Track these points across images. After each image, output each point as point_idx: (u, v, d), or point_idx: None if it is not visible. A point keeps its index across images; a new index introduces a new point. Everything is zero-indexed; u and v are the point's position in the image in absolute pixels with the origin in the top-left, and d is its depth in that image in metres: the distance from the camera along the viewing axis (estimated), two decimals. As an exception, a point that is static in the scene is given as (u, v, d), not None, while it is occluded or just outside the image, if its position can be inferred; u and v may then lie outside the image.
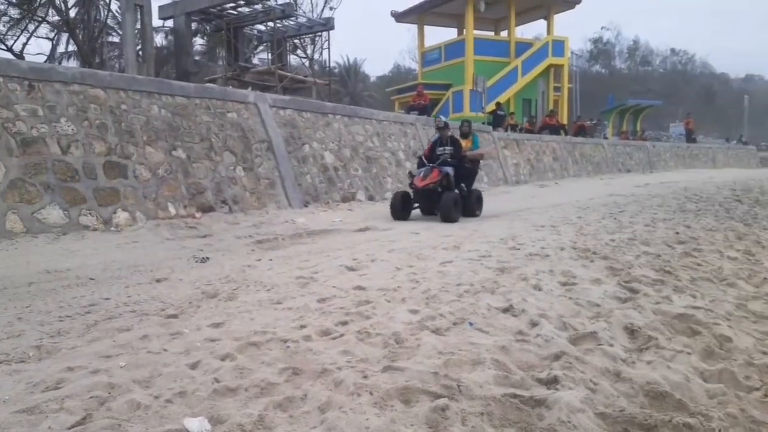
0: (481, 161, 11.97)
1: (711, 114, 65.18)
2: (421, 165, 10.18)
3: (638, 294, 4.06)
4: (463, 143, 10.83)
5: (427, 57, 30.20)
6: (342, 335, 3.17)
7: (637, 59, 71.60)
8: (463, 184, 10.16)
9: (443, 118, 11.23)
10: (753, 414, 2.32)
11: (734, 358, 2.94)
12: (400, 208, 9.70)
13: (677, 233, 7.11)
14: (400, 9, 29.90)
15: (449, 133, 10.38)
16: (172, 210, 8.39)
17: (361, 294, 4.13)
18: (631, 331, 3.26)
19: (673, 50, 73.53)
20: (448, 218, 9.29)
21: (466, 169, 10.36)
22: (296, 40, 25.31)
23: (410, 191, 10.04)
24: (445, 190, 9.64)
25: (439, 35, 31.81)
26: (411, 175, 10.14)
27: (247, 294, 4.28)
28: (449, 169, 9.86)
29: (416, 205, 10.15)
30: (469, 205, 10.15)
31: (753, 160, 38.32)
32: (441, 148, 10.17)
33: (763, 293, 4.42)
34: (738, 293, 4.34)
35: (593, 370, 2.68)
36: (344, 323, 3.41)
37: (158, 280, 4.90)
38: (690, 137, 35.15)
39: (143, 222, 7.81)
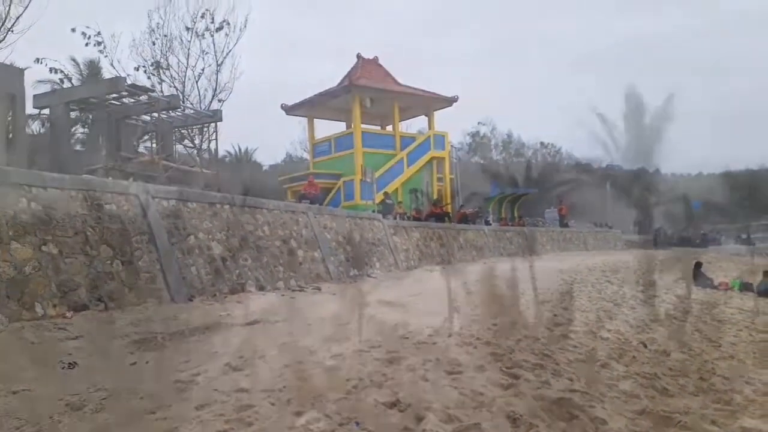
0: None
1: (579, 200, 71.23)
2: None
3: (519, 379, 4.18)
4: None
5: (317, 148, 30.91)
6: (220, 445, 2.98)
7: (512, 151, 77.48)
8: None
9: None
10: (626, 497, 2.40)
11: (608, 440, 3.07)
12: None
13: (555, 315, 7.50)
14: (290, 102, 30.65)
15: None
16: (39, 310, 7.69)
17: (244, 397, 3.93)
18: (513, 420, 3.33)
19: (542, 143, 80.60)
20: None
21: None
22: (183, 131, 25.06)
23: None
24: None
25: (329, 127, 32.69)
26: None
27: (118, 403, 3.94)
28: None
29: None
30: None
31: (619, 242, 41.96)
32: None
33: (633, 372, 4.72)
34: (610, 374, 4.60)
35: (478, 464, 2.69)
36: (223, 432, 3.22)
37: (14, 392, 4.40)
38: (563, 222, 37.97)
39: (4, 325, 7.07)
